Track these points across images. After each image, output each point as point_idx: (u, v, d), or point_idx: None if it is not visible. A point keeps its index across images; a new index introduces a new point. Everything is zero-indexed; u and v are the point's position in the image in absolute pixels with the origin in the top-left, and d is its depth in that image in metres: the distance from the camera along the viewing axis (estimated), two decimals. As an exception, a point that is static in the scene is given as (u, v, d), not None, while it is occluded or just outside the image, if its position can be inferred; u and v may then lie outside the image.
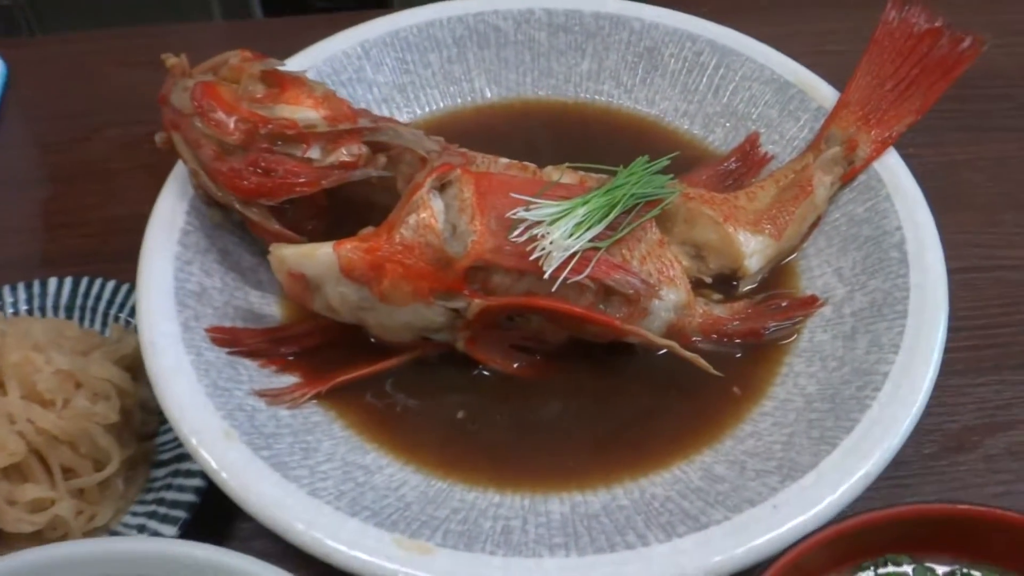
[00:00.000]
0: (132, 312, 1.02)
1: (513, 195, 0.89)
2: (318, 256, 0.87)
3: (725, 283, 1.00)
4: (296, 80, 0.95)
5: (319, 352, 0.95)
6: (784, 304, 0.97)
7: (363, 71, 1.16)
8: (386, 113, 1.17)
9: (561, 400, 0.92)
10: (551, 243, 0.85)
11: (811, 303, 0.96)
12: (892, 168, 1.00)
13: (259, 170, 0.90)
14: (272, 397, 0.88)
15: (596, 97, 1.21)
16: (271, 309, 0.98)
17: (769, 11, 1.49)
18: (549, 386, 0.92)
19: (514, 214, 0.87)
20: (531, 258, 0.85)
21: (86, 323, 1.04)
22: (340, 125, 0.92)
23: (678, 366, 0.91)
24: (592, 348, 0.94)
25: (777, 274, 1.01)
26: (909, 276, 0.91)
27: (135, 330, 1.00)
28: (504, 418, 0.90)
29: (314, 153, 0.91)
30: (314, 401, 0.90)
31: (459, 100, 1.20)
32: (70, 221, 1.23)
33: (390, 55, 1.18)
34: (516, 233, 0.86)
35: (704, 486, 0.82)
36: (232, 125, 0.90)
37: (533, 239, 0.87)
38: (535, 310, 0.90)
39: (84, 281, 1.05)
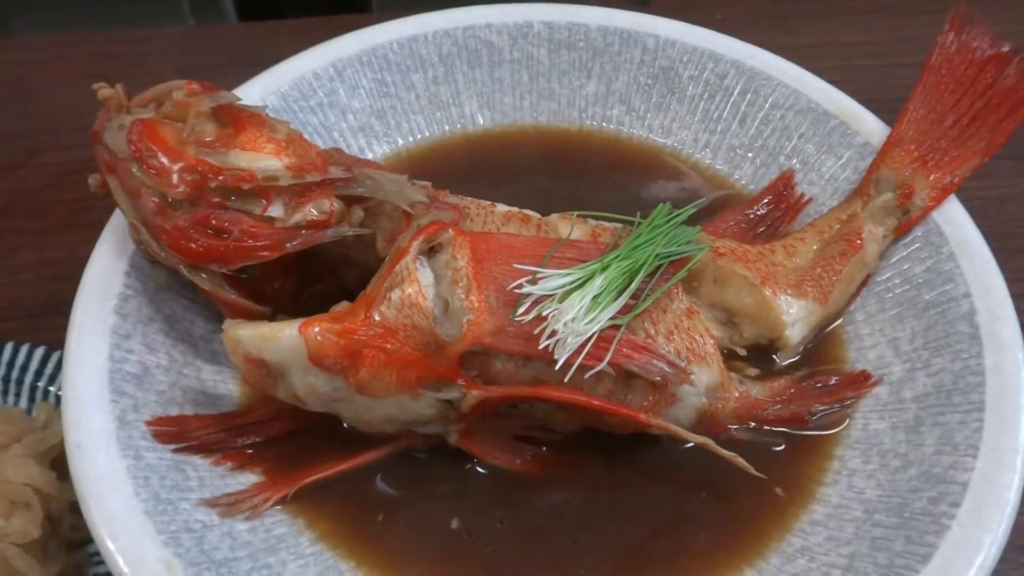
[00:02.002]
0: (64, 387, 0.87)
1: (516, 262, 0.74)
2: (281, 340, 0.72)
3: (760, 353, 0.86)
4: (254, 118, 0.79)
5: (284, 441, 0.80)
6: (832, 382, 0.83)
7: (336, 95, 1.00)
8: (363, 144, 1.02)
9: (573, 503, 0.77)
10: (564, 326, 0.71)
11: (863, 381, 0.83)
12: (955, 221, 0.86)
13: (209, 230, 0.75)
14: (227, 507, 0.74)
15: (604, 124, 1.06)
16: (227, 387, 0.83)
17: (790, 20, 1.35)
18: (559, 485, 0.78)
19: (518, 287, 0.73)
20: (540, 344, 0.70)
21: (9, 399, 0.88)
22: (307, 176, 0.76)
23: (708, 459, 0.77)
24: (607, 436, 0.80)
25: (820, 342, 0.87)
26: (983, 357, 0.77)
27: (66, 410, 0.85)
28: (506, 527, 0.76)
29: (276, 210, 0.75)
30: (278, 507, 0.75)
31: (447, 127, 1.05)
32: (-3, 265, 1.07)
33: (367, 76, 1.02)
34: (521, 311, 0.72)
35: (749, 625, 0.68)
36: (176, 175, 0.75)
37: (541, 318, 0.72)
38: (544, 401, 0.75)
39: (8, 348, 0.90)
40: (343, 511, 0.76)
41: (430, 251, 0.76)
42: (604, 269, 0.75)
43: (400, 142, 1.03)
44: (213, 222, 0.75)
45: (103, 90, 0.80)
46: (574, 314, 0.71)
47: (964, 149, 0.89)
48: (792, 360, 0.85)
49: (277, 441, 0.80)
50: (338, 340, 0.71)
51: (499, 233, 0.79)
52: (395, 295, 0.72)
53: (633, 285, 0.75)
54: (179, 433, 0.76)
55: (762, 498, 0.77)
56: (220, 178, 0.75)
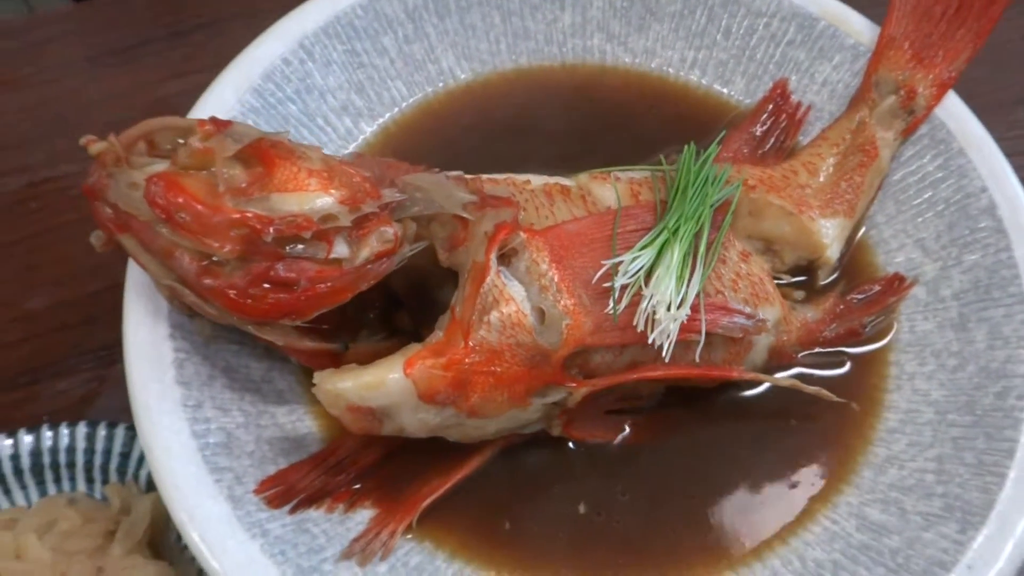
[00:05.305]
0: (123, 460, 0.82)
1: (588, 250, 0.74)
2: (388, 385, 0.70)
3: (798, 274, 0.90)
4: (282, 150, 0.72)
5: (382, 466, 0.79)
6: (873, 291, 0.88)
7: (310, 77, 0.92)
8: (349, 124, 0.95)
9: (677, 461, 0.81)
10: (664, 314, 0.72)
11: (900, 284, 0.88)
12: (958, 115, 0.90)
13: (274, 284, 0.70)
14: (362, 554, 0.73)
15: (586, 57, 1.02)
16: (306, 425, 0.80)
17: None
18: (660, 446, 0.81)
19: (604, 278, 0.73)
20: (649, 337, 0.72)
21: (63, 485, 0.82)
22: (364, 207, 0.71)
23: (780, 389, 0.82)
24: (689, 390, 0.83)
25: (849, 253, 0.92)
26: (1013, 249, 0.83)
27: (135, 483, 0.81)
28: (629, 499, 0.79)
29: (340, 250, 0.71)
30: (408, 535, 0.76)
31: (428, 88, 0.99)
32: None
33: (337, 48, 0.94)
34: (616, 303, 0.72)
35: (869, 541, 0.75)
36: (221, 234, 0.68)
37: (632, 303, 0.73)
38: (646, 381, 0.77)
39: (47, 433, 0.82)
40: (465, 522, 0.77)
41: (502, 257, 0.74)
42: (675, 233, 0.76)
43: (385, 116, 0.97)
44: (275, 276, 0.70)
45: (94, 144, 0.70)
46: (667, 295, 0.72)
47: (955, 41, 0.92)
48: (832, 277, 0.90)
49: (375, 468, 0.79)
50: (445, 374, 0.70)
51: (563, 224, 0.77)
52: (494, 317, 0.70)
53: (702, 246, 0.77)
54: (287, 491, 0.74)
55: (838, 415, 0.83)
56: (274, 228, 0.69)
